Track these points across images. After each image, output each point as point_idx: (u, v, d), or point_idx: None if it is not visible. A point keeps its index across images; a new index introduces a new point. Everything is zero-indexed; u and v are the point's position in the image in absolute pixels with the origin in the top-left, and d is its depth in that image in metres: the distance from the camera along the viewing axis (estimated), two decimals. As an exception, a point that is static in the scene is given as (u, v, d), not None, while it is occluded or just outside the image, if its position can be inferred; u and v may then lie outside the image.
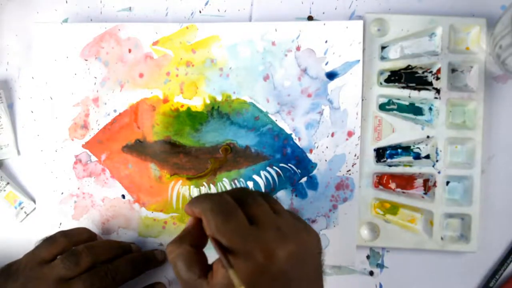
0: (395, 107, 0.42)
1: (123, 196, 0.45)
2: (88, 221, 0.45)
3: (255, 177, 0.43)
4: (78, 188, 0.45)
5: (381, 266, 0.43)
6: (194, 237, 0.30)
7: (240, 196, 0.30)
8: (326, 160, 0.42)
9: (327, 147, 0.42)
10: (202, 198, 0.30)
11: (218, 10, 0.45)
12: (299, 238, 0.29)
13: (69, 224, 0.45)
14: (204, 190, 0.44)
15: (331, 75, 0.42)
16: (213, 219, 0.28)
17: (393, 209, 0.42)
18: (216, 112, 0.43)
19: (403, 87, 0.42)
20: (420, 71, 0.42)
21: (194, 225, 0.30)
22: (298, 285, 0.29)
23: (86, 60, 0.45)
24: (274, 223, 0.29)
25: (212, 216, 0.28)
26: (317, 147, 0.42)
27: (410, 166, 0.42)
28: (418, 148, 0.42)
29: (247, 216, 0.29)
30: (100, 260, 0.39)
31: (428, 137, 0.42)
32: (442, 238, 0.41)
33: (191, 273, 0.28)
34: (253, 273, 0.27)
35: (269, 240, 0.28)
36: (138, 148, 0.44)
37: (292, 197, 0.43)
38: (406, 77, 0.42)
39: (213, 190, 0.43)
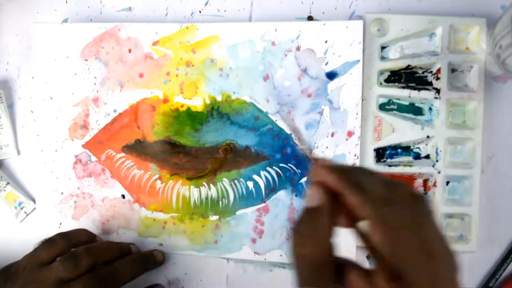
0: (395, 107, 0.42)
1: (123, 196, 0.45)
2: (88, 221, 0.45)
3: (255, 177, 0.43)
4: (78, 188, 0.45)
5: (381, 266, 0.43)
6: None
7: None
8: (326, 160, 0.42)
9: (327, 147, 0.42)
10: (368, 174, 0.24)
11: (218, 10, 0.45)
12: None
13: (69, 224, 0.45)
14: (204, 190, 0.44)
15: (331, 75, 0.42)
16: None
17: (393, 209, 0.42)
18: (216, 112, 0.43)
19: (403, 87, 0.42)
20: (420, 71, 0.42)
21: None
22: None
23: (86, 60, 0.45)
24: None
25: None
26: (317, 147, 0.42)
27: (410, 166, 0.42)
28: (418, 148, 0.42)
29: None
30: (99, 261, 0.38)
31: (428, 137, 0.42)
32: (442, 238, 0.41)
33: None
34: None
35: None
36: (138, 148, 0.44)
37: (292, 197, 0.43)
38: (406, 77, 0.42)
39: (213, 190, 0.43)
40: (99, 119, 0.45)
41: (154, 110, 0.44)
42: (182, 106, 0.44)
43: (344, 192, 0.23)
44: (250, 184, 0.43)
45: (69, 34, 0.45)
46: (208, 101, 0.43)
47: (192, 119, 0.44)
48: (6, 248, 0.47)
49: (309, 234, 0.24)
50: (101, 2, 0.46)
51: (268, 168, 0.43)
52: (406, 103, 0.42)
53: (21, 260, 0.38)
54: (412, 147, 0.42)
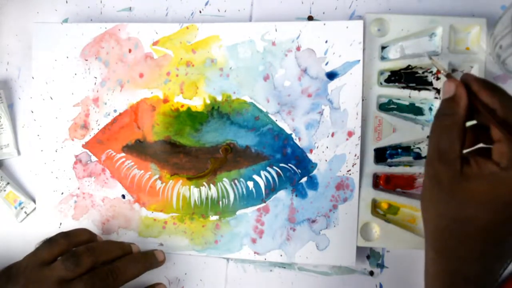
0: (395, 107, 0.42)
1: (123, 196, 0.45)
2: (88, 221, 0.45)
3: (255, 177, 0.43)
4: (78, 188, 0.45)
5: (381, 266, 0.43)
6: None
7: None
8: (326, 160, 0.42)
9: (327, 147, 0.42)
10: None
11: (218, 10, 0.45)
12: None
13: (69, 224, 0.45)
14: (204, 190, 0.44)
15: (331, 75, 0.42)
16: None
17: (393, 209, 0.42)
18: (216, 112, 0.43)
19: (403, 87, 0.42)
20: (420, 71, 0.42)
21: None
22: None
23: (86, 60, 0.45)
24: None
25: None
26: (317, 147, 0.42)
27: (410, 166, 0.42)
28: (418, 148, 0.42)
29: None
30: (100, 260, 0.39)
31: (428, 137, 0.42)
32: (442, 238, 0.41)
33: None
34: None
35: None
36: (138, 148, 0.44)
37: (292, 197, 0.43)
38: (406, 77, 0.42)
39: (213, 190, 0.43)
40: (99, 119, 0.45)
41: (154, 110, 0.44)
42: (182, 106, 0.44)
43: (494, 121, 0.29)
44: (250, 184, 0.43)
45: (69, 34, 0.45)
46: (208, 101, 0.43)
47: (192, 119, 0.44)
48: (6, 248, 0.47)
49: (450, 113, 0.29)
50: (101, 2, 0.46)
51: (268, 168, 0.43)
52: (406, 103, 0.42)
53: (22, 260, 0.38)
54: (412, 147, 0.42)
